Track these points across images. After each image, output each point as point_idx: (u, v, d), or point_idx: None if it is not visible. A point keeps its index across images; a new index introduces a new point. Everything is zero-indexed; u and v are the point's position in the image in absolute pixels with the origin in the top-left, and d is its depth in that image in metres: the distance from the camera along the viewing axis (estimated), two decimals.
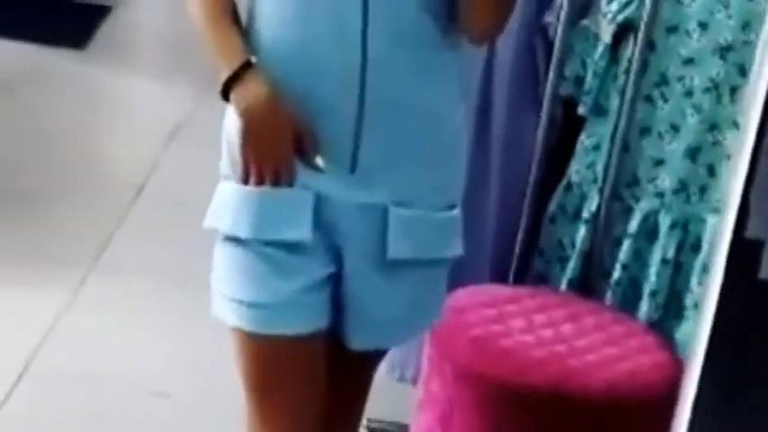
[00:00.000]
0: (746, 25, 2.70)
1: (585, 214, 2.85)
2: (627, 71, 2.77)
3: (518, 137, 2.86)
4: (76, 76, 4.82)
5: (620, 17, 2.75)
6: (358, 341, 2.13)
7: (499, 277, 2.90)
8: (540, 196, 2.88)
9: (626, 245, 2.84)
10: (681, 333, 2.81)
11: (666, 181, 2.81)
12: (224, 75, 2.01)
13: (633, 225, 2.84)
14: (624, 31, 2.76)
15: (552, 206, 2.88)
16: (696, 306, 2.77)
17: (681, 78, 2.76)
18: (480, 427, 2.59)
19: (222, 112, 2.10)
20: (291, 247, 2.03)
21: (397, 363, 2.94)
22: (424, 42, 2.03)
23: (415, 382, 2.87)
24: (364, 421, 2.77)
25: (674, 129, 2.79)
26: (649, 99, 2.79)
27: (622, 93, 2.78)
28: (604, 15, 2.76)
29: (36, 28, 5.05)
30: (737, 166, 1.65)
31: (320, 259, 2.06)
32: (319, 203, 2.04)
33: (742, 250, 1.60)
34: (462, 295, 2.74)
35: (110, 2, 5.37)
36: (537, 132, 2.84)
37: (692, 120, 2.77)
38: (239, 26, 2.05)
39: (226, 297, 2.08)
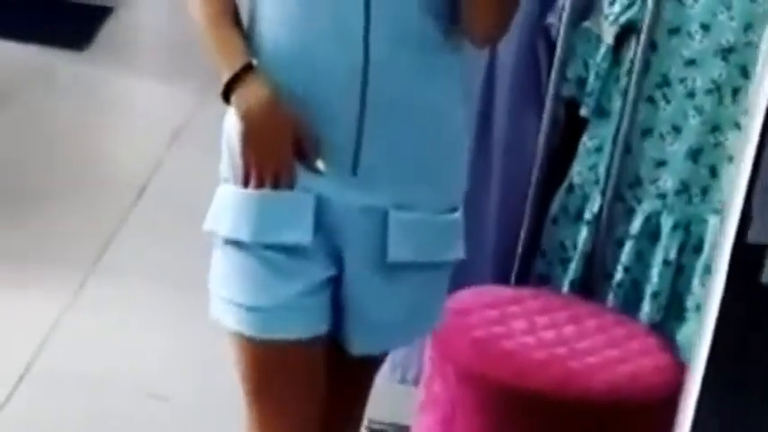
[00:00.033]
0: (749, 27, 2.70)
1: (587, 215, 2.85)
2: (629, 72, 2.77)
3: (520, 139, 2.86)
4: (78, 76, 4.82)
5: (623, 18, 2.75)
6: (358, 345, 2.12)
7: (501, 279, 2.90)
8: (541, 198, 2.88)
9: (628, 246, 2.84)
10: (682, 335, 2.81)
11: (668, 182, 2.81)
12: (225, 77, 2.00)
13: (635, 226, 2.84)
14: (626, 32, 2.76)
15: (554, 207, 2.87)
16: (698, 308, 2.77)
17: (683, 80, 2.75)
18: (482, 429, 2.59)
19: (224, 112, 2.09)
20: (291, 251, 2.02)
21: (398, 364, 2.93)
22: (427, 44, 2.02)
23: (416, 383, 2.87)
24: (365, 422, 2.77)
25: (676, 130, 2.79)
26: (651, 100, 2.79)
27: (624, 94, 2.78)
28: (606, 17, 2.76)
29: (37, 29, 5.05)
30: (740, 169, 1.65)
31: (320, 262, 2.05)
32: (320, 206, 2.03)
33: (744, 255, 1.60)
34: (464, 296, 2.73)
35: (111, 3, 5.37)
36: (539, 134, 2.84)
37: (693, 121, 2.77)
38: (240, 28, 2.05)
39: (225, 300, 2.07)
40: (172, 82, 4.88)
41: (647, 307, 2.83)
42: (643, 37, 2.73)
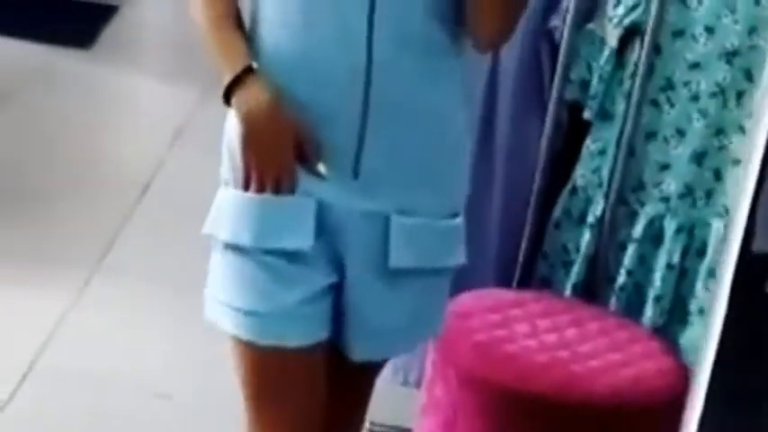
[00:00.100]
0: (753, 30, 2.70)
1: (590, 219, 2.85)
2: (633, 75, 2.76)
3: (522, 143, 2.85)
4: (82, 75, 4.83)
5: (627, 21, 2.74)
6: (359, 351, 2.11)
7: (503, 282, 2.90)
8: (544, 201, 2.87)
9: (631, 249, 2.83)
10: (685, 338, 2.81)
11: (672, 185, 2.80)
12: (226, 79, 2.00)
13: (638, 230, 2.83)
14: (630, 35, 2.75)
15: (557, 210, 2.87)
16: (701, 311, 2.77)
17: (687, 83, 2.75)
18: None
19: (228, 112, 2.08)
20: (292, 256, 2.02)
21: (400, 366, 2.93)
22: (430, 47, 2.01)
23: (418, 385, 2.87)
24: (367, 425, 2.77)
25: (680, 133, 2.78)
26: (655, 103, 2.78)
27: (628, 97, 2.77)
28: (610, 19, 2.76)
29: (42, 27, 5.05)
30: (746, 178, 1.65)
31: (322, 269, 2.04)
32: (321, 211, 2.02)
33: (749, 264, 1.60)
34: (466, 299, 2.73)
35: (116, 1, 5.37)
36: (541, 138, 2.84)
37: (697, 124, 2.76)
38: (242, 31, 2.04)
39: (222, 303, 2.06)
40: (176, 81, 4.88)
41: (649, 310, 2.83)
42: (647, 40, 2.72)
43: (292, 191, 2.01)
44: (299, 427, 2.08)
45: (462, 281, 2.37)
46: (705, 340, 1.67)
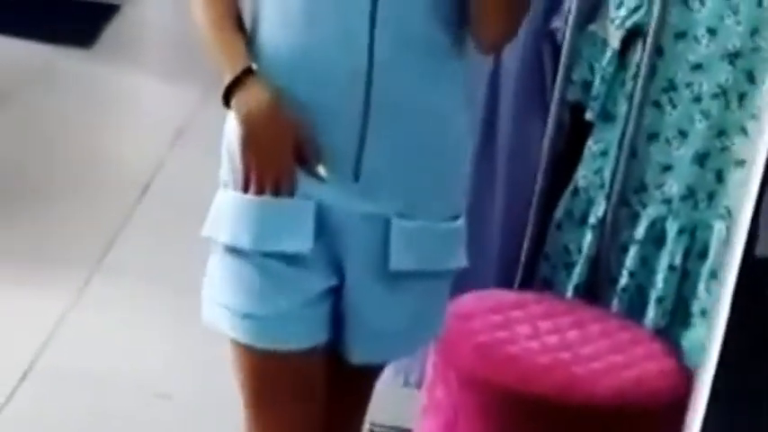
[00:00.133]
0: (755, 31, 2.69)
1: (592, 220, 2.85)
2: (635, 77, 2.76)
3: (524, 144, 2.85)
4: (83, 74, 4.83)
5: (629, 22, 2.74)
6: (358, 354, 2.10)
7: (505, 283, 2.89)
8: (546, 202, 2.87)
9: (633, 251, 2.83)
10: (687, 340, 2.80)
11: (674, 187, 2.80)
12: (226, 80, 1.99)
13: (640, 231, 2.83)
14: (632, 36, 2.75)
15: (559, 212, 2.87)
16: (703, 313, 2.76)
17: (689, 84, 2.74)
18: None
19: (228, 112, 2.08)
20: (292, 259, 2.00)
21: (401, 367, 2.93)
22: (432, 48, 2.00)
23: (419, 386, 2.86)
24: (367, 425, 2.76)
25: (682, 134, 2.78)
26: (657, 105, 2.78)
27: (630, 98, 2.77)
28: (612, 20, 2.75)
29: (43, 27, 5.05)
30: (749, 181, 1.64)
31: (321, 272, 2.03)
32: (321, 213, 2.01)
33: (752, 267, 1.59)
34: (467, 301, 2.72)
35: (117, 0, 5.37)
36: (543, 139, 2.83)
37: (700, 126, 2.76)
38: (243, 32, 2.03)
39: (220, 305, 2.05)
40: (177, 81, 4.88)
41: (651, 312, 2.82)
42: (649, 41, 2.72)
43: (292, 193, 2.00)
44: (298, 430, 2.08)
45: (464, 282, 2.36)
46: (708, 342, 1.67)
